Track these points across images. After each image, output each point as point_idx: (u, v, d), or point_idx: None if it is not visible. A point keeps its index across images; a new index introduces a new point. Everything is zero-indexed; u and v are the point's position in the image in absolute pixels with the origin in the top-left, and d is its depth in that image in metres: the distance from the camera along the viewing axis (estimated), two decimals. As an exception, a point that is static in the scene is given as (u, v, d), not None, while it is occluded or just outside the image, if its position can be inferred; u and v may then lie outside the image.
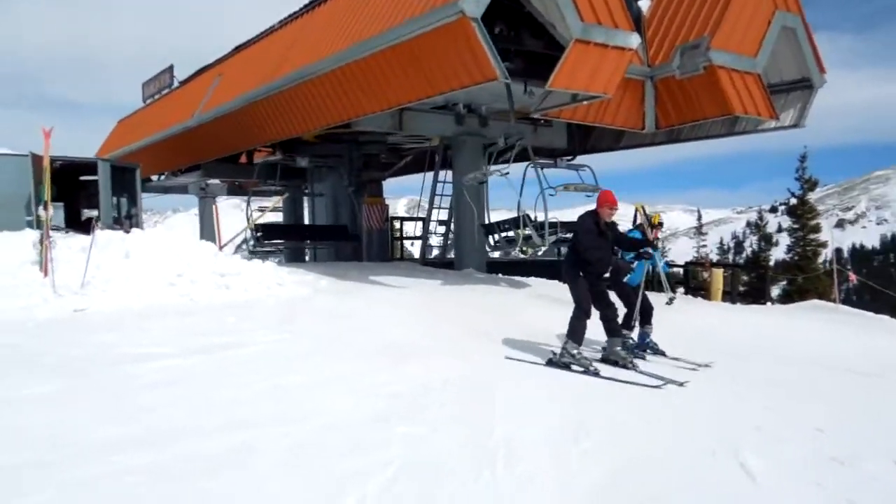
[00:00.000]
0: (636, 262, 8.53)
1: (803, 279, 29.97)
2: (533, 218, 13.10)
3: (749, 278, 23.34)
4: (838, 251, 59.05)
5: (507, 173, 13.64)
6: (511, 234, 13.82)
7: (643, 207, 8.91)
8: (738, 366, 8.15)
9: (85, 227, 14.66)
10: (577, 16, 10.10)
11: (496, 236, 14.31)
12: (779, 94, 13.69)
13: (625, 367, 7.36)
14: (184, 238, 10.67)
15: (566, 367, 7.20)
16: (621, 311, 8.12)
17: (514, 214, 13.79)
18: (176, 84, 23.96)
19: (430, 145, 18.04)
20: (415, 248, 23.87)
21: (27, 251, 9.49)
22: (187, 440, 4.54)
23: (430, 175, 19.59)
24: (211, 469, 4.12)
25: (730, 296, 15.72)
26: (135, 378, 6.00)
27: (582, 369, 7.11)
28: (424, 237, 18.56)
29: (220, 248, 12.10)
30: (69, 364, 6.39)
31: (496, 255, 17.51)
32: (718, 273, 15.19)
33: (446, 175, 18.14)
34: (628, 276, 8.55)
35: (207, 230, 24.44)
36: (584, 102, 11.30)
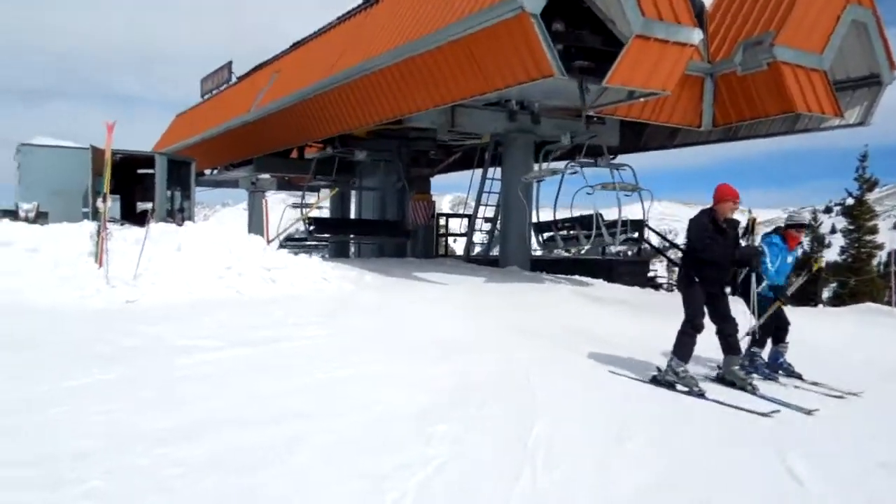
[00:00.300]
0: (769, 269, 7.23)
1: (856, 282, 28.94)
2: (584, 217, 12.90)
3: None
4: (892, 253, 56.87)
5: (575, 172, 13.40)
6: (566, 232, 13.69)
7: (754, 220, 7.26)
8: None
9: (140, 220, 15.04)
10: (639, 11, 9.88)
11: (543, 235, 14.16)
12: (845, 90, 13.17)
13: (743, 389, 6.46)
14: (233, 232, 10.80)
15: (670, 385, 6.45)
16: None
17: (557, 212, 13.70)
18: (234, 80, 24.36)
19: (480, 142, 17.92)
20: (458, 245, 23.78)
21: (84, 242, 9.73)
22: (231, 433, 4.56)
23: (478, 172, 19.54)
24: (252, 463, 4.12)
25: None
26: (184, 369, 6.08)
27: (686, 389, 6.34)
28: (470, 234, 18.46)
29: (269, 241, 12.23)
30: (121, 354, 6.52)
31: (539, 252, 17.24)
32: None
33: (495, 172, 17.99)
34: (763, 285, 7.22)
35: (256, 224, 24.86)
36: (642, 99, 11.05)
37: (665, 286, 25.06)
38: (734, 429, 5.35)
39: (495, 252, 18.89)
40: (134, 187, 17.47)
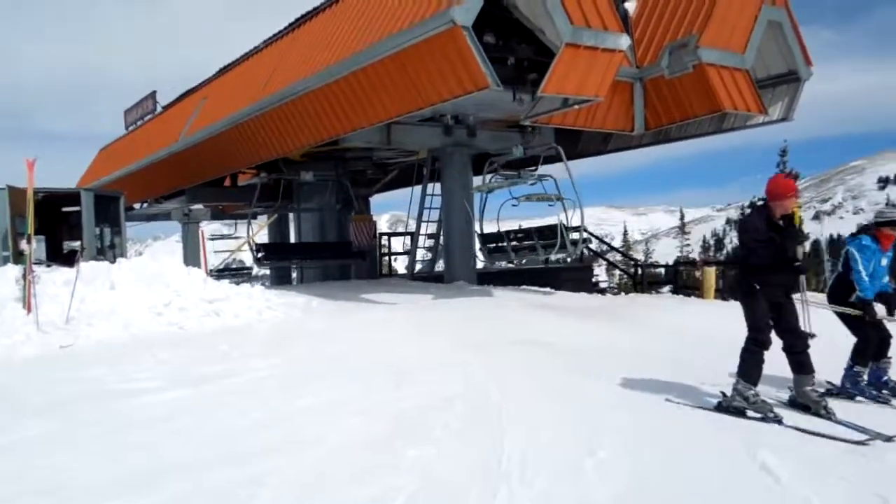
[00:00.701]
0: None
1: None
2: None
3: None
4: (816, 243, 59.67)
5: (535, 182, 13.56)
6: (517, 243, 13.85)
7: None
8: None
9: (68, 260, 14.35)
10: (567, 19, 10.00)
11: (489, 247, 14.21)
12: (766, 88, 13.63)
13: (817, 413, 5.67)
14: (170, 265, 10.39)
15: (739, 412, 5.67)
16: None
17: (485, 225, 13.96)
18: (159, 110, 23.71)
19: (417, 158, 17.86)
20: (399, 264, 23.57)
21: (9, 288, 9.18)
22: (190, 477, 4.30)
23: (416, 189, 19.50)
24: (217, 507, 3.87)
25: (720, 293, 15.57)
26: (129, 414, 5.74)
27: (760, 416, 5.59)
28: (413, 252, 18.33)
29: (208, 273, 11.85)
30: (60, 403, 6.12)
31: (482, 265, 17.27)
32: (711, 271, 15.05)
33: (434, 188, 17.94)
34: (855, 295, 6.37)
35: (192, 256, 24.16)
36: (576, 107, 11.17)
37: (608, 290, 25.48)
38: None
39: (439, 267, 18.87)
40: (59, 226, 16.71)
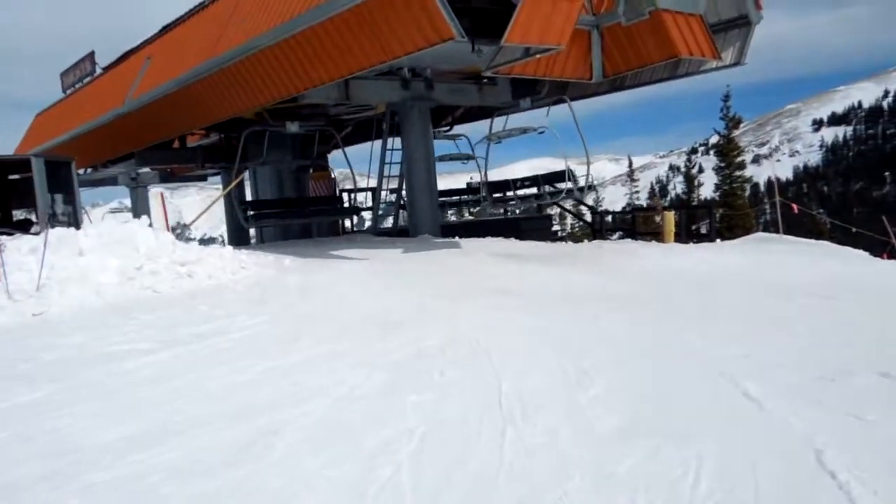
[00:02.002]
0: None
1: (729, 215, 31.35)
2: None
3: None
4: (755, 186, 61.86)
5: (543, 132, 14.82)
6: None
7: None
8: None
9: (21, 228, 13.93)
10: (527, -32, 9.97)
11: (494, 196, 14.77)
12: (718, 33, 13.87)
13: None
14: (138, 229, 10.21)
15: None
16: None
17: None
18: (98, 71, 22.80)
19: (375, 113, 17.70)
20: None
21: (-28, 258, 8.93)
22: (203, 431, 4.40)
23: (368, 146, 19.43)
24: (236, 458, 4.00)
25: (679, 237, 16.11)
26: (124, 375, 5.76)
27: None
28: (376, 207, 18.30)
29: (180, 235, 11.72)
30: (47, 368, 6.09)
31: (453, 217, 17.69)
32: (670, 216, 15.51)
33: (394, 142, 17.88)
34: None
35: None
36: (537, 56, 11.22)
37: (567, 238, 25.97)
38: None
39: (391, 223, 19.12)
40: (8, 195, 16.16)
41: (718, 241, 14.99)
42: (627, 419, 4.39)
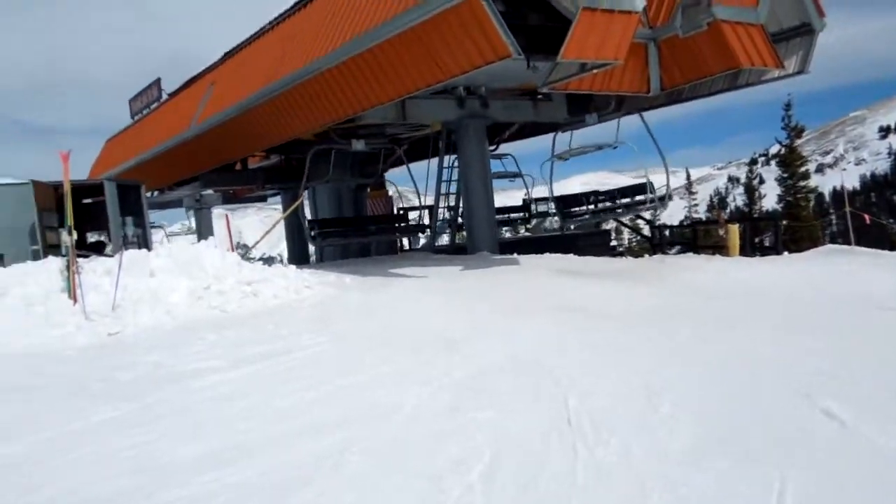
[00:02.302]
0: None
1: (794, 226, 30.42)
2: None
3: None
4: (820, 196, 60.03)
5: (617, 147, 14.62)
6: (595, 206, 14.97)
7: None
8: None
9: (95, 251, 14.50)
10: (583, -17, 9.98)
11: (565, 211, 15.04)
12: (779, 42, 13.57)
13: None
14: (205, 250, 10.51)
15: None
16: None
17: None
18: (165, 97, 23.67)
19: (431, 131, 17.87)
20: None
21: (51, 279, 9.34)
22: (275, 450, 4.47)
23: (424, 164, 19.64)
24: (309, 477, 4.05)
25: (743, 250, 15.73)
26: (195, 394, 5.91)
27: None
28: (433, 225, 18.41)
29: (244, 255, 12.04)
30: (125, 387, 6.29)
31: (508, 234, 17.71)
32: (735, 228, 15.16)
33: (450, 160, 18.01)
34: None
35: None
36: (594, 71, 11.17)
37: (626, 253, 25.64)
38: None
39: (446, 240, 19.28)
40: (82, 218, 16.86)
41: (786, 253, 14.59)
42: (701, 438, 4.29)
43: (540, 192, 20.78)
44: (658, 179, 16.15)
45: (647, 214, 19.54)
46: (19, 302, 8.65)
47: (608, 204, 15.58)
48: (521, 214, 21.71)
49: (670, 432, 4.42)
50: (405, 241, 21.36)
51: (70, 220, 9.20)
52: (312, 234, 16.69)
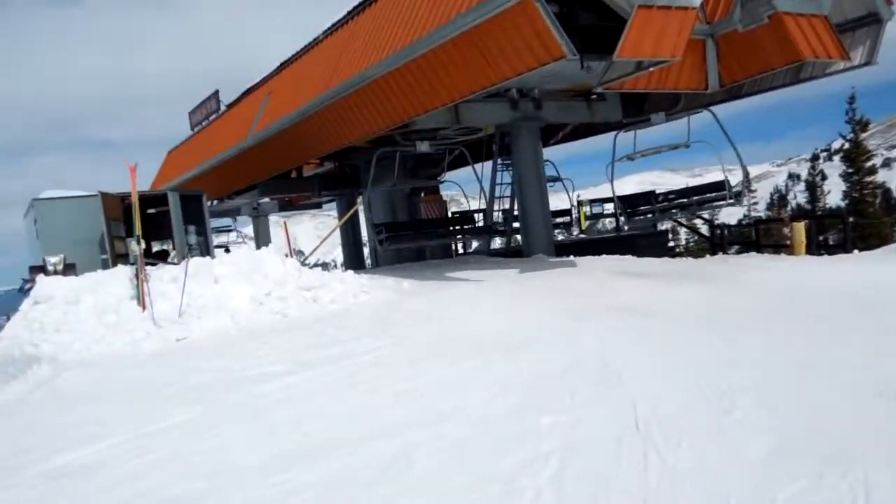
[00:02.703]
0: None
1: (861, 224, 29.31)
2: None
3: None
4: (887, 192, 57.55)
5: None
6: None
7: None
8: None
9: (159, 259, 14.95)
10: (639, -19, 9.83)
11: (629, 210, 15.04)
12: (844, 33, 13.12)
13: None
14: (266, 257, 10.71)
15: None
16: None
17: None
18: (223, 109, 24.24)
19: (484, 134, 17.86)
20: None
21: (121, 287, 9.65)
22: (342, 452, 4.52)
23: (478, 167, 19.65)
24: (377, 479, 4.08)
25: (809, 249, 15.24)
26: (262, 398, 6.02)
27: None
28: (488, 228, 18.36)
29: (304, 261, 12.26)
30: (194, 391, 6.46)
31: (560, 236, 17.58)
32: (800, 226, 14.70)
33: (503, 163, 17.95)
34: None
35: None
36: (651, 69, 10.98)
37: (684, 254, 25.15)
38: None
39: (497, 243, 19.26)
40: (146, 227, 17.39)
41: (856, 251, 14.08)
42: (777, 442, 4.16)
43: (586, 195, 20.61)
44: (720, 177, 15.91)
45: (706, 214, 19.17)
46: (92, 310, 8.97)
47: (682, 201, 15.49)
48: (566, 218, 21.41)
49: (745, 437, 4.30)
50: (459, 246, 21.38)
51: (138, 230, 9.50)
52: (381, 236, 16.34)
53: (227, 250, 14.20)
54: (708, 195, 15.81)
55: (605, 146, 16.82)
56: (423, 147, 15.74)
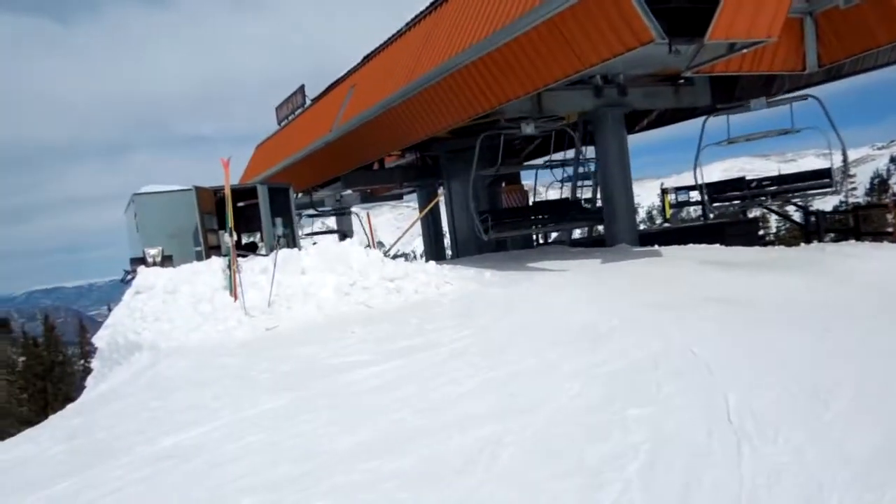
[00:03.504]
0: None
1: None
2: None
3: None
4: None
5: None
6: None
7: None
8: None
9: (249, 250, 15.47)
10: (732, -42, 9.45)
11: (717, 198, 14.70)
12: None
13: None
14: (351, 248, 10.92)
15: None
16: None
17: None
18: (308, 102, 24.81)
19: (566, 123, 17.60)
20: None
21: (215, 278, 10.04)
22: (429, 440, 4.57)
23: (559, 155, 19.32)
24: (464, 468, 4.11)
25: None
26: (351, 386, 6.16)
27: None
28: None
29: (385, 253, 12.46)
30: (284, 378, 6.67)
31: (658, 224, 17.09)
32: (906, 213, 13.87)
33: (586, 151, 17.66)
34: None
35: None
36: (745, 51, 10.55)
37: (775, 242, 24.13)
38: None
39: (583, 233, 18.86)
40: (236, 220, 18.03)
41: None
42: (882, 439, 3.95)
43: (670, 182, 19.89)
44: (814, 163, 15.17)
45: (799, 200, 18.29)
46: (188, 299, 9.37)
47: (778, 188, 14.87)
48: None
49: (847, 433, 4.10)
50: (540, 236, 21.17)
51: (231, 223, 9.86)
52: (486, 224, 15.94)
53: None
54: (810, 182, 15.09)
55: (691, 133, 16.23)
56: (529, 129, 15.30)
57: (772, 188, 15.02)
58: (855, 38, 11.66)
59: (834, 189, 14.22)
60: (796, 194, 15.44)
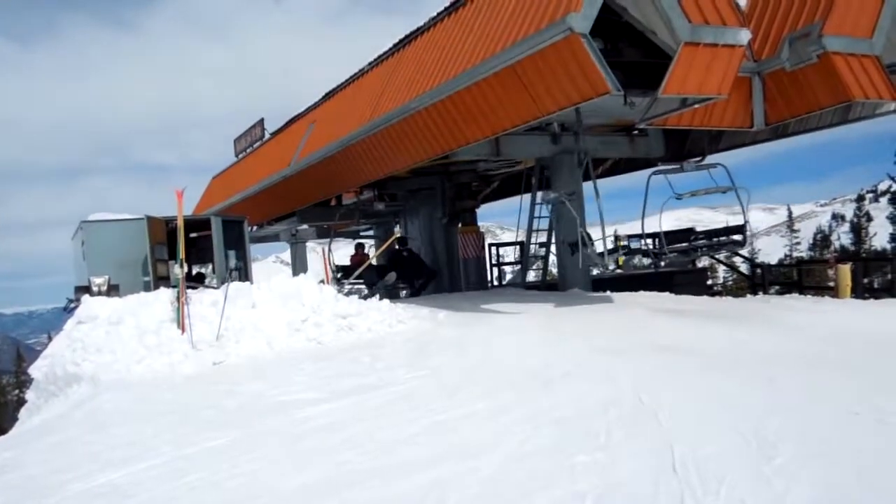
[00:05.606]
0: None
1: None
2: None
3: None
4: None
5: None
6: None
7: None
8: None
9: (197, 282, 15.17)
10: (685, 18, 9.82)
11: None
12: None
13: None
14: (304, 284, 10.81)
15: None
16: None
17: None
18: (267, 136, 24.72)
19: (524, 167, 17.87)
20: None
21: (162, 310, 9.80)
22: (375, 483, 4.50)
23: (513, 200, 19.56)
24: (411, 512, 4.03)
25: (854, 292, 14.84)
26: (298, 424, 6.04)
27: None
28: (525, 261, 18.31)
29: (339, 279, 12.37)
30: (230, 415, 6.51)
31: (595, 272, 17.22)
32: (846, 268, 14.34)
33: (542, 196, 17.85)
34: None
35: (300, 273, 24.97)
36: (696, 106, 10.91)
37: (721, 293, 24.66)
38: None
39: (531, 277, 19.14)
40: (188, 251, 17.70)
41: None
42: (822, 492, 4.02)
43: (623, 230, 20.16)
44: (762, 217, 15.61)
45: (745, 252, 18.77)
46: (133, 331, 9.12)
47: (704, 242, 15.34)
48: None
49: (788, 485, 4.16)
50: (501, 276, 21.34)
51: (182, 254, 9.67)
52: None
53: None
54: (723, 238, 15.74)
55: (643, 182, 16.61)
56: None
57: (696, 241, 15.60)
58: (799, 99, 12.15)
59: (743, 243, 15.02)
60: (715, 249, 16.10)
